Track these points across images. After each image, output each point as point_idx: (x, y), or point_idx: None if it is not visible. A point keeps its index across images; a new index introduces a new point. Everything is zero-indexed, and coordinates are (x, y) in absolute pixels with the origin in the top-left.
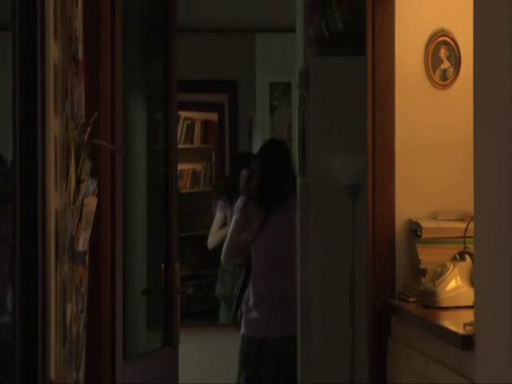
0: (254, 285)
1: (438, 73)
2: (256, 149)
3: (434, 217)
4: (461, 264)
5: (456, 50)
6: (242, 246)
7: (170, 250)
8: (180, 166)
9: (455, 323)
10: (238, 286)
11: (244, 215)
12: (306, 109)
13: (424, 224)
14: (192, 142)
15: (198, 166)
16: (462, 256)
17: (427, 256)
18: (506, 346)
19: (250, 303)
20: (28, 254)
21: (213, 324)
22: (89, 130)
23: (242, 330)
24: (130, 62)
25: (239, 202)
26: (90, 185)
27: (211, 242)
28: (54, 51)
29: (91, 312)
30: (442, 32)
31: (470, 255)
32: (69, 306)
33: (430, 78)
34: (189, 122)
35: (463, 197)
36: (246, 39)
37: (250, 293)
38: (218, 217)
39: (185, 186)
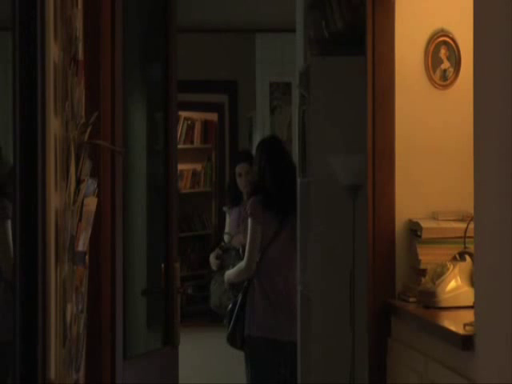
0: (262, 286)
1: (438, 73)
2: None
3: (434, 217)
4: (461, 264)
5: (456, 50)
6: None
7: (169, 250)
8: (180, 166)
9: (455, 323)
10: (236, 303)
11: (260, 222)
12: (306, 109)
13: (424, 224)
14: (192, 142)
15: (198, 166)
16: (461, 256)
17: (427, 256)
18: (505, 346)
19: (260, 305)
20: (28, 253)
21: (213, 324)
22: (89, 130)
23: (253, 331)
24: (130, 62)
25: (252, 207)
26: (90, 185)
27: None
28: (54, 51)
29: (91, 312)
30: (442, 32)
31: (470, 255)
32: (69, 306)
33: (430, 78)
34: (189, 122)
35: (463, 197)
36: (246, 39)
37: (257, 295)
38: (227, 221)
39: (185, 186)
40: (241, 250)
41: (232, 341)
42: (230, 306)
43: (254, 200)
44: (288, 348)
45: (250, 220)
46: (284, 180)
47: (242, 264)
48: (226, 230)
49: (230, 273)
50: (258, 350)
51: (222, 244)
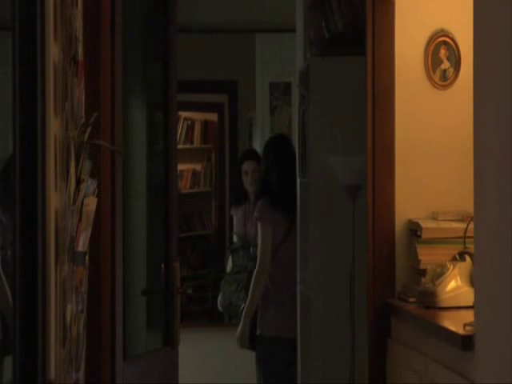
0: (275, 286)
1: (438, 73)
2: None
3: (434, 217)
4: (461, 264)
5: (456, 50)
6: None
7: (169, 250)
8: (180, 166)
9: (455, 323)
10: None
11: (270, 225)
12: (306, 109)
13: (424, 224)
14: (192, 142)
15: (198, 166)
16: (461, 256)
17: (427, 256)
18: (505, 346)
19: (273, 305)
20: (28, 254)
21: (213, 324)
22: (89, 130)
23: (265, 331)
24: (130, 62)
25: (260, 211)
26: (90, 185)
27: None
28: (53, 51)
29: (91, 312)
30: (442, 32)
31: (470, 255)
32: (69, 306)
33: (430, 78)
34: (189, 122)
35: (463, 197)
36: (246, 39)
37: (270, 295)
38: (235, 222)
39: (185, 186)
40: (251, 250)
41: (253, 341)
42: (243, 306)
43: (262, 203)
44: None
45: (259, 224)
46: (291, 179)
47: (255, 271)
48: (235, 230)
49: (251, 290)
50: (270, 350)
51: (231, 245)
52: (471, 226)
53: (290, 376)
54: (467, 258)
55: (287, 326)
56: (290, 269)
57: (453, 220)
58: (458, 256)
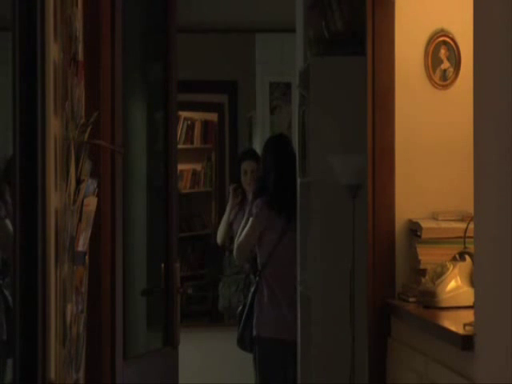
0: (270, 287)
1: (438, 73)
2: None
3: (434, 217)
4: (461, 264)
5: (456, 50)
6: (254, 248)
7: (169, 250)
8: (180, 166)
9: (455, 323)
10: (246, 303)
11: (263, 224)
12: (306, 109)
13: (424, 224)
14: (192, 142)
15: (198, 166)
16: (461, 256)
17: (427, 256)
18: (506, 346)
19: (269, 306)
20: (28, 254)
21: (213, 324)
22: (89, 129)
23: (261, 332)
24: (130, 62)
25: (257, 209)
26: (90, 185)
27: (218, 237)
28: (54, 51)
29: (91, 312)
30: (442, 32)
31: (470, 255)
32: (69, 306)
33: (430, 78)
34: (189, 122)
35: (463, 197)
36: (246, 39)
37: (266, 296)
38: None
39: (185, 186)
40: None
41: (241, 343)
42: (240, 307)
43: (260, 201)
44: (296, 348)
45: (252, 219)
46: (289, 180)
47: (236, 243)
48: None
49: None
50: (266, 351)
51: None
52: (471, 225)
53: (286, 377)
54: (467, 258)
55: (283, 327)
56: (285, 270)
57: (453, 220)
58: (458, 256)
